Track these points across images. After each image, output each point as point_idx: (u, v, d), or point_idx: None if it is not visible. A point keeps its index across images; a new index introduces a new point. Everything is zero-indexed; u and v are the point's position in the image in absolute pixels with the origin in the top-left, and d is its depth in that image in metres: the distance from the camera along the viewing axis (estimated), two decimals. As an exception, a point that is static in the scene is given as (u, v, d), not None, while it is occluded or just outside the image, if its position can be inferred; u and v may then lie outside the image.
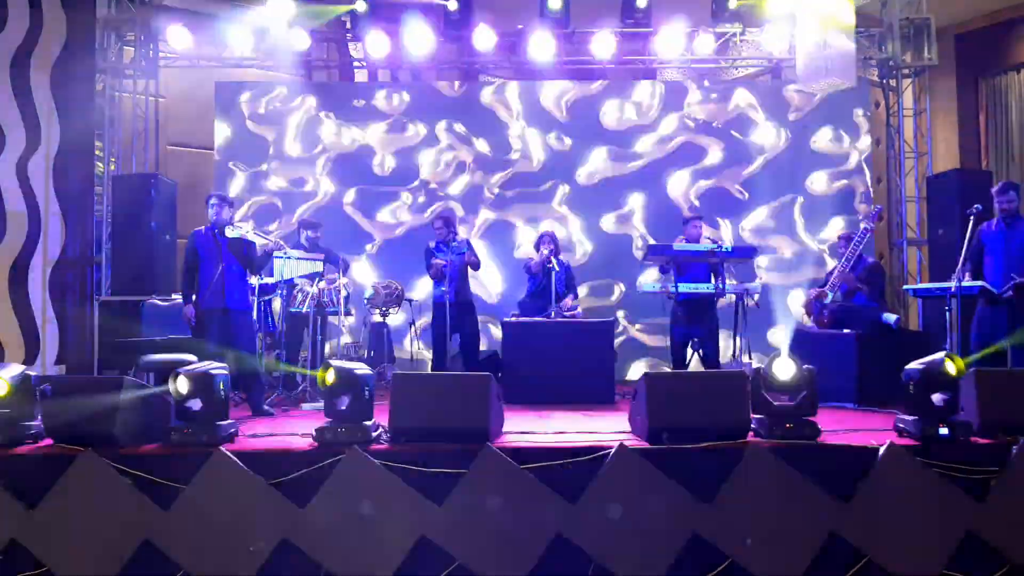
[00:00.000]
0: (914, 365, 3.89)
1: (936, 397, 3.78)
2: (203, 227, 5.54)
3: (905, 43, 8.64)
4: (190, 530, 3.55)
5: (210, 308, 5.30)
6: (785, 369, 3.85)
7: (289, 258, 6.13)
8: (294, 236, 7.40)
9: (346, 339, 8.24)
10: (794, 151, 8.85)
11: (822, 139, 8.86)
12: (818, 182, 8.84)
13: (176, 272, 8.16)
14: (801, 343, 6.22)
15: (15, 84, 7.67)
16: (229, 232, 5.40)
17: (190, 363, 4.14)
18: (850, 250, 6.22)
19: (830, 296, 6.25)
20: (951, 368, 3.76)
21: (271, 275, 6.31)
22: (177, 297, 7.04)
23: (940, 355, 3.85)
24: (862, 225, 6.28)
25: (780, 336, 8.36)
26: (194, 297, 5.39)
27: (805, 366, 3.88)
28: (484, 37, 8.42)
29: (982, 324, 5.58)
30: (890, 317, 5.95)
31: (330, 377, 3.82)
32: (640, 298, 7.96)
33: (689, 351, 6.72)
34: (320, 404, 4.42)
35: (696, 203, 8.74)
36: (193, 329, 5.43)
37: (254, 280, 6.01)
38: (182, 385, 3.77)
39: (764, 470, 3.62)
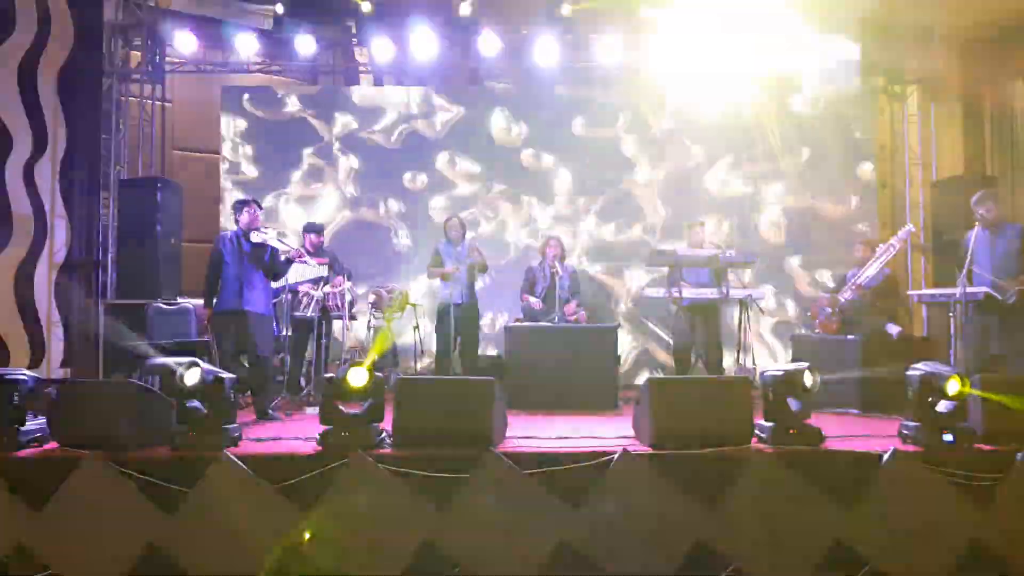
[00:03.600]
0: (917, 370, 3.89)
1: (942, 406, 3.78)
2: (229, 231, 5.67)
3: (910, 50, 8.64)
4: (195, 534, 3.56)
5: (229, 310, 5.38)
6: (810, 379, 3.88)
7: (310, 266, 6.18)
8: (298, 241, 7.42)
9: (350, 343, 8.25)
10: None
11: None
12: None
13: (181, 276, 8.21)
14: (804, 348, 6.22)
15: (22, 87, 7.71)
16: (254, 237, 5.48)
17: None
18: (872, 261, 6.18)
19: (842, 301, 6.24)
20: (953, 388, 3.76)
21: (276, 280, 6.33)
22: (183, 301, 7.08)
23: (946, 369, 3.85)
24: (892, 242, 6.22)
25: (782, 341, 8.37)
26: (214, 300, 5.46)
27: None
28: (489, 42, 8.45)
29: (980, 330, 5.56)
30: (893, 328, 5.94)
31: (360, 380, 3.82)
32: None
33: (693, 356, 6.72)
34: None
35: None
36: (207, 330, 5.48)
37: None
38: (192, 376, 3.77)
39: (768, 477, 3.62)
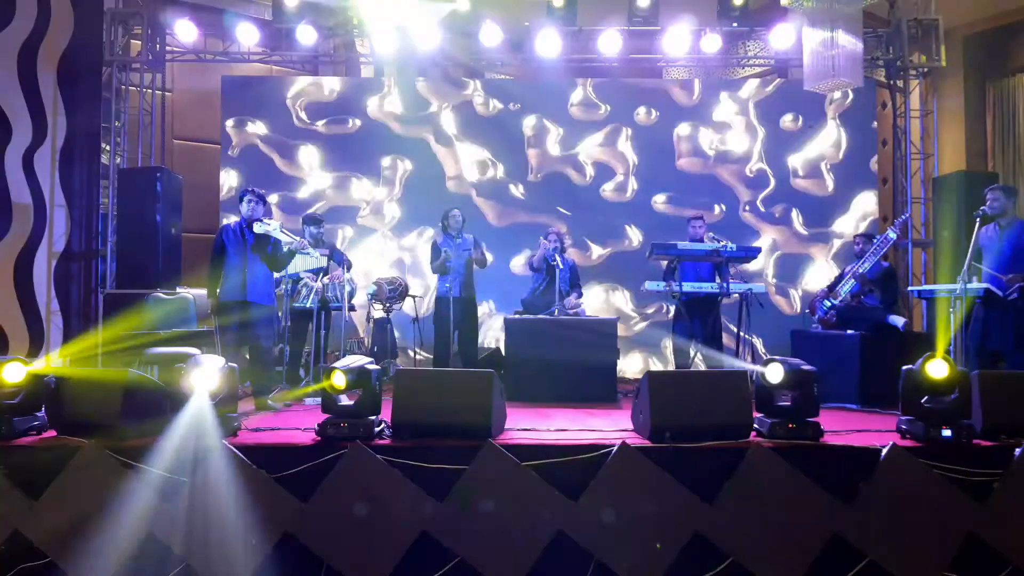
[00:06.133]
0: (915, 365, 3.88)
1: (941, 401, 3.77)
2: (232, 222, 5.72)
3: (913, 44, 8.61)
4: (193, 523, 3.56)
5: (232, 301, 5.38)
6: (775, 373, 3.87)
7: (312, 256, 6.17)
8: (298, 232, 7.39)
9: (349, 335, 8.24)
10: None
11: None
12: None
13: (181, 265, 8.19)
14: (803, 343, 6.22)
15: (22, 76, 7.67)
16: (257, 228, 5.48)
17: (195, 356, 4.14)
18: (870, 253, 6.19)
19: (841, 295, 6.24)
20: (935, 372, 3.75)
21: (279, 271, 6.32)
22: (182, 291, 7.06)
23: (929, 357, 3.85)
24: (888, 232, 6.24)
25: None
26: (218, 290, 5.46)
27: (805, 367, 3.88)
28: (491, 34, 8.42)
29: (981, 326, 5.55)
30: (898, 320, 5.94)
31: (339, 382, 3.84)
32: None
33: (692, 350, 6.72)
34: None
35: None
36: (210, 320, 5.49)
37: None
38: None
39: (766, 470, 3.62)
